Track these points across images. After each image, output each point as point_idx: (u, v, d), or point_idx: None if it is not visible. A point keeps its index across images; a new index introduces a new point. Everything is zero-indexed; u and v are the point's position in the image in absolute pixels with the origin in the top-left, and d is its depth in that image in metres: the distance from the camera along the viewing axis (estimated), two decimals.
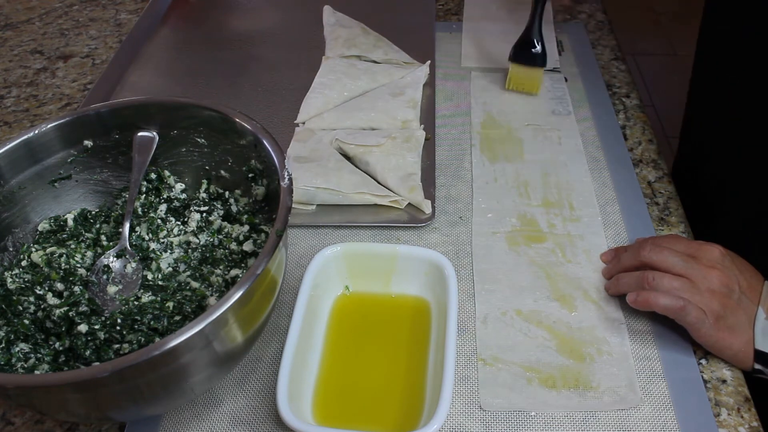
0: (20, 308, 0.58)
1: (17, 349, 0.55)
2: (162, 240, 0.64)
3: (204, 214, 0.66)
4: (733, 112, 0.78)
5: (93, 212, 0.67)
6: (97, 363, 0.54)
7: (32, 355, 0.55)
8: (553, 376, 0.59)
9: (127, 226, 0.64)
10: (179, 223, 0.66)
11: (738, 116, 0.77)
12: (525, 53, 0.87)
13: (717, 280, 0.58)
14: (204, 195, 0.67)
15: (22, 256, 0.62)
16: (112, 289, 0.61)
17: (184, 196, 0.68)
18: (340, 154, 0.79)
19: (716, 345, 0.58)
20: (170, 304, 0.58)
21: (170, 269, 0.63)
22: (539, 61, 0.87)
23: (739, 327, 0.57)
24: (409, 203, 0.73)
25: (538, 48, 0.86)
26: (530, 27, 0.86)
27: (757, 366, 0.58)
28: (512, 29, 1.00)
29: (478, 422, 0.56)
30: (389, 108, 0.84)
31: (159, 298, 0.59)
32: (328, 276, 0.63)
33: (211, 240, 0.64)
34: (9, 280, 0.60)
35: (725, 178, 0.81)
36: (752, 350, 0.57)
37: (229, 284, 0.60)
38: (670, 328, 0.62)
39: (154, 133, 0.66)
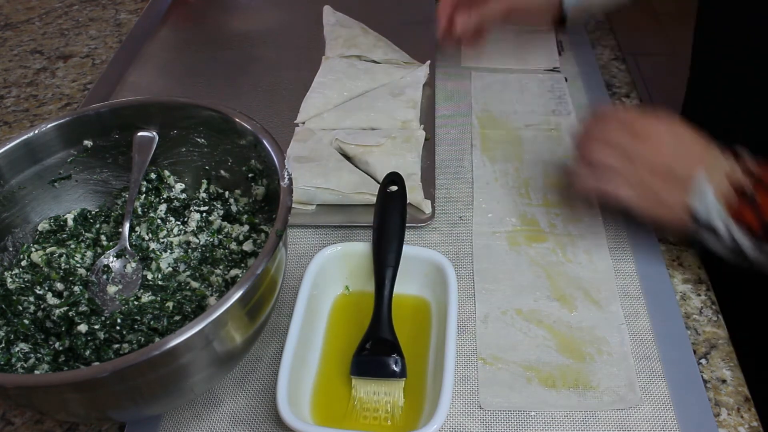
0: (20, 308, 0.58)
1: (17, 349, 0.55)
2: (162, 240, 0.64)
3: (204, 214, 0.66)
4: (728, 109, 0.78)
5: (93, 212, 0.67)
6: (97, 363, 0.54)
7: (32, 355, 0.55)
8: (553, 375, 0.59)
9: (127, 226, 0.64)
10: (179, 223, 0.66)
11: (733, 114, 0.78)
12: (375, 361, 0.57)
13: (656, 159, 0.61)
14: (204, 195, 0.67)
15: (22, 256, 0.62)
16: (112, 289, 0.61)
17: (184, 196, 0.68)
18: (340, 154, 0.79)
19: (658, 220, 0.62)
20: (170, 304, 0.58)
21: (170, 269, 0.63)
22: (398, 370, 0.57)
23: (675, 199, 0.60)
24: (409, 203, 0.73)
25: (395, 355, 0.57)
26: (377, 320, 0.59)
27: (693, 226, 0.60)
28: (512, 29, 1.00)
29: (477, 422, 0.56)
30: (389, 108, 0.84)
31: (159, 298, 0.59)
32: (328, 276, 0.63)
33: (211, 240, 0.64)
34: (9, 280, 0.60)
35: None
36: (689, 216, 0.59)
37: (229, 284, 0.60)
38: (670, 328, 0.62)
39: (154, 133, 0.66)
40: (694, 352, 0.61)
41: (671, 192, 0.60)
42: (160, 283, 0.61)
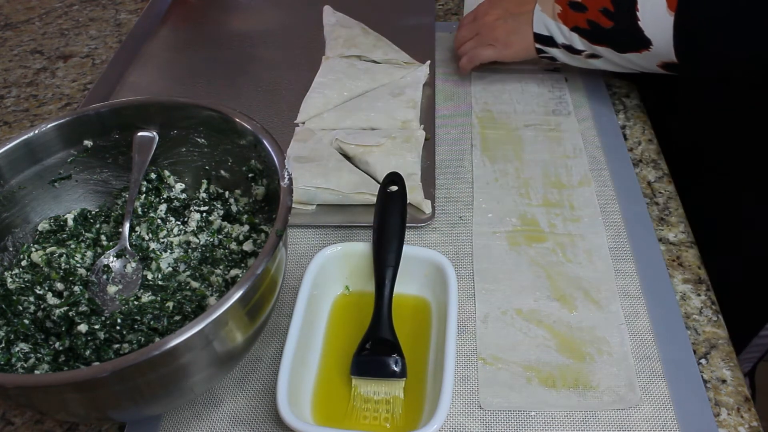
0: (20, 308, 0.58)
1: (17, 349, 0.55)
2: (162, 240, 0.64)
3: (204, 214, 0.66)
4: (723, 106, 0.80)
5: (93, 212, 0.67)
6: (97, 363, 0.54)
7: (32, 355, 0.55)
8: (553, 375, 0.59)
9: (127, 226, 0.64)
10: (179, 223, 0.66)
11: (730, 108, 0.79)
12: (375, 361, 0.57)
13: (492, 20, 0.86)
14: (204, 195, 0.67)
15: (22, 256, 0.62)
16: (112, 289, 0.61)
17: (184, 196, 0.68)
18: (340, 154, 0.79)
19: (516, 55, 0.85)
20: (170, 304, 0.58)
21: (170, 269, 0.63)
22: (398, 370, 0.57)
23: (521, 32, 0.83)
24: (409, 203, 0.73)
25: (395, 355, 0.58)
26: (377, 320, 0.59)
27: (538, 46, 0.82)
28: None
29: (477, 422, 0.56)
30: (389, 108, 0.84)
31: (159, 298, 0.59)
32: (328, 276, 0.63)
33: (211, 240, 0.64)
34: (9, 280, 0.60)
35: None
36: (532, 40, 0.82)
37: (229, 284, 0.60)
38: (670, 328, 0.62)
39: (154, 133, 0.66)
40: (694, 352, 0.61)
41: (518, 34, 0.83)
42: (160, 283, 0.61)
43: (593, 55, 0.79)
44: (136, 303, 0.59)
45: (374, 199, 0.67)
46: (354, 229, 0.72)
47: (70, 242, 0.64)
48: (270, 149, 0.60)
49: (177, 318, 0.57)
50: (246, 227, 0.64)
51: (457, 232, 0.72)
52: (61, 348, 0.56)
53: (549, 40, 0.80)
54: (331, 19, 1.03)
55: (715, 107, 0.84)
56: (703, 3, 0.68)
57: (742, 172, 0.85)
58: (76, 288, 0.60)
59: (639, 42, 0.73)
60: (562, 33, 0.79)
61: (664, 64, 0.74)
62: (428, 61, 0.93)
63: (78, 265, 0.62)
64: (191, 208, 0.66)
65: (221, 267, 0.61)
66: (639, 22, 0.71)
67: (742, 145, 0.84)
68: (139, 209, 0.66)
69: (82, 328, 0.55)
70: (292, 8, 1.10)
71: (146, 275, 0.62)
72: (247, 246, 0.62)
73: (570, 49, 0.80)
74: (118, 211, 0.67)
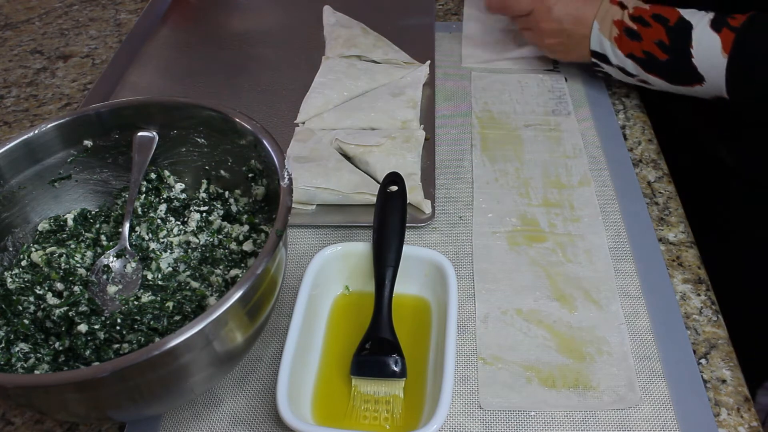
0: (20, 308, 0.58)
1: (17, 349, 0.55)
2: (162, 240, 0.64)
3: (204, 214, 0.66)
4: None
5: (93, 212, 0.67)
6: (97, 363, 0.54)
7: (32, 355, 0.55)
8: (553, 375, 0.59)
9: (127, 226, 0.64)
10: (179, 223, 0.66)
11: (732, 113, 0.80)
12: (375, 361, 0.57)
13: (548, 29, 0.85)
14: (204, 195, 0.67)
15: (22, 256, 0.62)
16: (112, 289, 0.61)
17: (184, 196, 0.68)
18: (340, 154, 0.79)
19: (570, 61, 0.90)
20: (170, 304, 0.58)
21: (170, 269, 0.63)
22: (398, 370, 0.57)
23: (578, 51, 0.85)
24: (409, 203, 0.73)
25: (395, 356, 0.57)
26: (377, 320, 0.59)
27: (594, 60, 0.83)
28: (513, 29, 1.00)
29: (477, 422, 0.56)
30: (389, 108, 0.84)
31: (159, 298, 0.59)
32: (328, 276, 0.63)
33: (211, 240, 0.64)
34: (9, 280, 0.60)
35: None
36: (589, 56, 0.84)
37: (229, 284, 0.60)
38: (670, 328, 0.62)
39: (154, 133, 0.66)
40: (694, 352, 0.61)
41: (575, 52, 0.86)
42: (160, 283, 0.61)
43: (644, 81, 0.81)
44: (136, 303, 0.59)
45: (374, 199, 0.67)
46: (354, 229, 0.72)
47: (70, 242, 0.64)
48: (270, 149, 0.60)
49: (177, 318, 0.57)
50: (246, 227, 0.64)
51: (457, 232, 0.72)
52: (61, 348, 0.56)
53: (604, 58, 0.82)
54: (331, 19, 1.03)
55: (717, 107, 0.84)
56: (757, 49, 0.70)
57: (743, 169, 0.85)
58: (76, 288, 0.60)
59: (692, 77, 0.75)
60: (616, 56, 0.80)
61: (716, 98, 0.76)
62: (428, 61, 0.93)
63: (78, 265, 0.62)
64: (191, 208, 0.66)
65: (221, 267, 0.61)
66: (693, 60, 0.73)
67: (743, 145, 0.84)
68: (139, 209, 0.66)
69: (82, 328, 0.55)
70: (292, 8, 1.10)
71: (146, 275, 0.62)
72: (247, 246, 0.62)
73: (623, 71, 0.81)
74: (118, 211, 0.67)
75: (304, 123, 0.85)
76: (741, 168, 0.85)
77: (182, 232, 0.65)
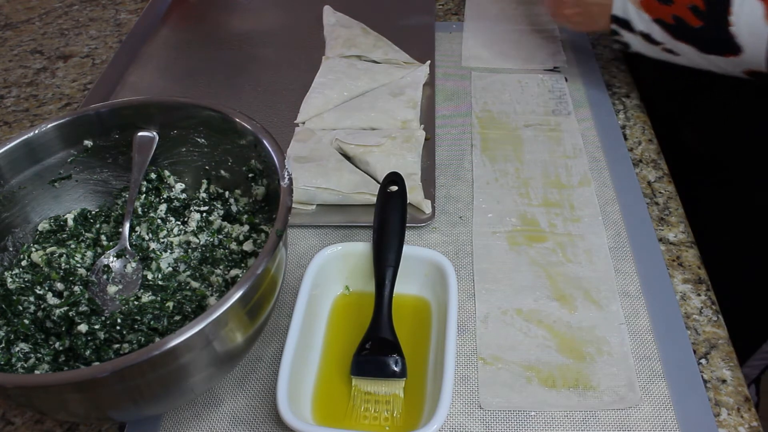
0: (20, 308, 0.58)
1: (17, 349, 0.55)
2: (162, 240, 0.64)
3: (204, 214, 0.66)
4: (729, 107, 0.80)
5: (93, 212, 0.67)
6: (97, 363, 0.54)
7: (32, 355, 0.55)
8: (553, 375, 0.59)
9: (127, 226, 0.64)
10: (179, 223, 0.66)
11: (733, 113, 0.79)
12: (375, 361, 0.57)
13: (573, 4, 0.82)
14: (204, 195, 0.67)
15: (22, 256, 0.62)
16: (112, 289, 0.61)
17: (184, 196, 0.68)
18: (340, 154, 0.79)
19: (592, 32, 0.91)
20: (170, 304, 0.58)
21: (170, 269, 0.63)
22: (398, 370, 0.57)
23: (602, 15, 0.78)
24: (409, 203, 0.73)
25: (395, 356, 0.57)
26: (377, 320, 0.59)
27: (614, 27, 0.78)
28: (513, 29, 1.00)
29: (477, 422, 0.56)
30: (389, 108, 0.84)
31: (159, 298, 0.59)
32: (328, 276, 0.63)
33: (211, 240, 0.64)
34: (9, 280, 0.60)
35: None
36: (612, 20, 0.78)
37: (229, 284, 0.60)
38: (670, 328, 0.62)
39: (154, 133, 0.66)
40: (694, 352, 0.61)
41: (597, 15, 0.80)
42: (160, 283, 0.61)
43: (670, 51, 0.75)
44: (136, 303, 0.59)
45: (374, 199, 0.67)
46: (354, 229, 0.72)
47: (70, 242, 0.64)
48: (270, 149, 0.60)
49: (177, 318, 0.57)
50: (246, 227, 0.64)
51: (457, 232, 0.72)
52: (61, 348, 0.56)
53: (626, 25, 0.76)
54: (331, 19, 1.03)
55: (718, 107, 0.84)
56: None
57: (744, 171, 0.85)
58: (76, 288, 0.60)
59: (727, 47, 0.69)
60: (642, 21, 0.74)
61: (750, 72, 0.71)
62: (428, 61, 0.93)
63: (78, 265, 0.62)
64: (191, 208, 0.66)
65: (221, 267, 0.61)
66: (731, 27, 0.68)
67: (744, 145, 0.84)
68: (139, 209, 0.66)
69: (82, 328, 0.55)
70: (292, 8, 1.10)
71: (146, 275, 0.62)
72: (247, 246, 0.62)
73: (647, 38, 0.76)
74: (118, 211, 0.67)
75: (304, 123, 0.85)
76: (741, 168, 0.85)
77: (182, 232, 0.65)
